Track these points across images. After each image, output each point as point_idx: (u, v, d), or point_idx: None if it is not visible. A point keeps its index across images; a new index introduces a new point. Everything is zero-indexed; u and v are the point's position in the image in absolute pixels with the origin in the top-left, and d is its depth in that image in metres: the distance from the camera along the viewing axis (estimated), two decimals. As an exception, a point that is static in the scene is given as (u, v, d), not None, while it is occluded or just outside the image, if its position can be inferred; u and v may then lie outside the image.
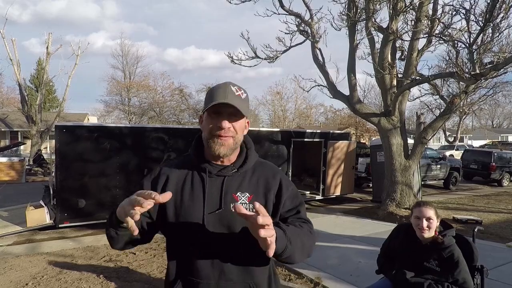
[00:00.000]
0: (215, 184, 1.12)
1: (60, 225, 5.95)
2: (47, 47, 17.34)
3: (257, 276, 1.11)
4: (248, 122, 1.18)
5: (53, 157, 6.52)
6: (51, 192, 6.29)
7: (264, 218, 0.82)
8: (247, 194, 1.13)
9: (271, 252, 0.86)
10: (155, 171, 1.18)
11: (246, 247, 1.06)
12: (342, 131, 11.42)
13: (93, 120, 28.91)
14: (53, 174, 6.51)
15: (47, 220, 6.05)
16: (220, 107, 1.08)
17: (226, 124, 1.08)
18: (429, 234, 2.09)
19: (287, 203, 1.16)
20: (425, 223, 2.08)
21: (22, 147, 21.32)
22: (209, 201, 1.10)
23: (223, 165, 1.14)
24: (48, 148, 21.48)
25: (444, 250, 2.05)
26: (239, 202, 1.11)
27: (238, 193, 1.12)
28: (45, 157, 15.09)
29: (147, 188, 1.11)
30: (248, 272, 1.10)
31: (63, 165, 5.96)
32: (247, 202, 1.12)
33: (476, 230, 2.68)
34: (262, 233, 0.82)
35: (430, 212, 2.09)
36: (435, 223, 2.10)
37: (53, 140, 6.34)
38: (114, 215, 0.99)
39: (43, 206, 6.15)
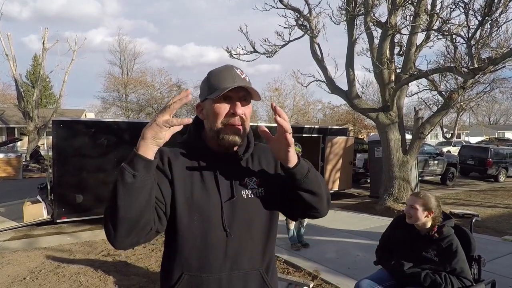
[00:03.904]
0: (224, 173, 1.07)
1: (57, 220, 5.94)
2: (43, 42, 17.22)
3: (264, 261, 1.10)
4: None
5: (50, 153, 6.50)
6: (49, 187, 6.27)
7: (287, 123, 0.90)
8: (255, 179, 1.10)
9: (293, 160, 0.91)
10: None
11: (257, 233, 1.07)
12: (340, 127, 11.43)
13: (90, 117, 28.79)
14: (51, 170, 6.49)
15: (45, 215, 6.03)
16: (230, 92, 0.99)
17: (240, 110, 1.00)
18: (411, 221, 2.19)
19: None
20: (407, 209, 2.21)
21: (19, 143, 21.21)
22: (223, 191, 1.05)
23: (228, 153, 1.09)
24: (45, 144, 21.37)
25: (443, 240, 2.07)
26: (248, 188, 1.08)
27: (246, 179, 1.09)
28: (42, 154, 15.03)
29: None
30: (257, 259, 1.08)
31: (60, 160, 5.94)
32: (256, 187, 1.09)
33: (473, 220, 2.70)
34: (289, 137, 0.89)
35: (417, 201, 2.17)
36: (419, 213, 2.14)
37: (50, 137, 6.31)
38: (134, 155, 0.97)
39: (41, 202, 6.13)
